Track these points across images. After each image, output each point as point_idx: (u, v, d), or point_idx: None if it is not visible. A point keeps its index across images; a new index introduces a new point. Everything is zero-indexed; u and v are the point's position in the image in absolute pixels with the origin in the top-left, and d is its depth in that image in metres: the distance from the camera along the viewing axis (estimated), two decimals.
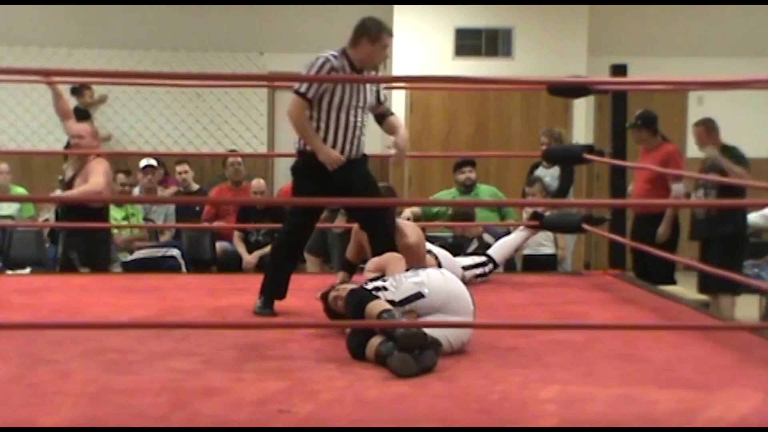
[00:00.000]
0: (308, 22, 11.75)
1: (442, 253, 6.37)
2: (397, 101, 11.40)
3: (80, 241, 7.08)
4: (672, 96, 11.43)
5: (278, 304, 5.48)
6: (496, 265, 6.78)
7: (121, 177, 8.92)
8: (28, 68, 9.76)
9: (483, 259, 6.73)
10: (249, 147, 11.89)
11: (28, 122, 11.82)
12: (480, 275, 6.57)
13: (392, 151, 5.67)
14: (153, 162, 9.46)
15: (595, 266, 10.41)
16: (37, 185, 10.65)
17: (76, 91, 11.09)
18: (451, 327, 4.49)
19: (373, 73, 5.71)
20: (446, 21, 11.43)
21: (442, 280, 4.65)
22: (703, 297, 7.52)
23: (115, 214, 8.54)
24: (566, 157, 7.63)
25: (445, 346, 4.42)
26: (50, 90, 7.57)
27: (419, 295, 4.53)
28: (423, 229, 6.21)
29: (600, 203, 11.27)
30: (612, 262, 7.98)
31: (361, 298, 4.49)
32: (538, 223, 7.05)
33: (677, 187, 7.91)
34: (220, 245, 8.99)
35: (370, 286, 4.62)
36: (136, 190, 9.43)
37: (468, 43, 11.46)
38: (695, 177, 7.70)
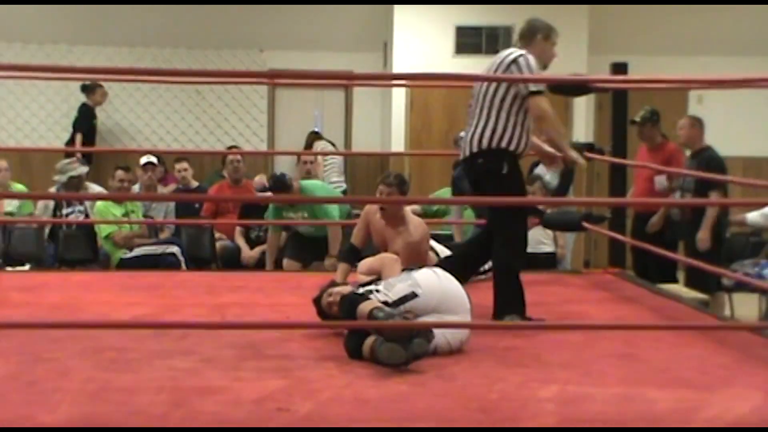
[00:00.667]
0: (308, 19, 11.74)
1: (444, 252, 6.37)
2: (397, 99, 11.42)
3: None
4: (672, 95, 11.41)
5: (276, 303, 5.48)
6: None
7: (120, 174, 8.92)
8: (29, 65, 9.72)
9: None
10: (249, 144, 11.88)
11: (28, 119, 11.82)
12: (479, 274, 6.56)
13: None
14: (153, 159, 9.45)
15: (595, 265, 10.42)
16: (37, 182, 10.64)
17: (87, 88, 11.09)
18: (449, 327, 4.49)
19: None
20: (446, 19, 11.42)
21: (435, 279, 4.64)
22: (703, 296, 7.51)
23: (115, 210, 8.53)
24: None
25: (444, 346, 4.43)
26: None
27: (413, 295, 4.52)
28: None
29: (599, 202, 11.25)
30: (612, 261, 7.97)
31: (353, 300, 4.49)
32: (538, 220, 7.05)
33: (660, 180, 7.96)
34: (220, 243, 8.99)
35: (361, 290, 4.62)
36: (136, 188, 9.42)
37: (468, 41, 11.44)
38: (700, 176, 7.66)
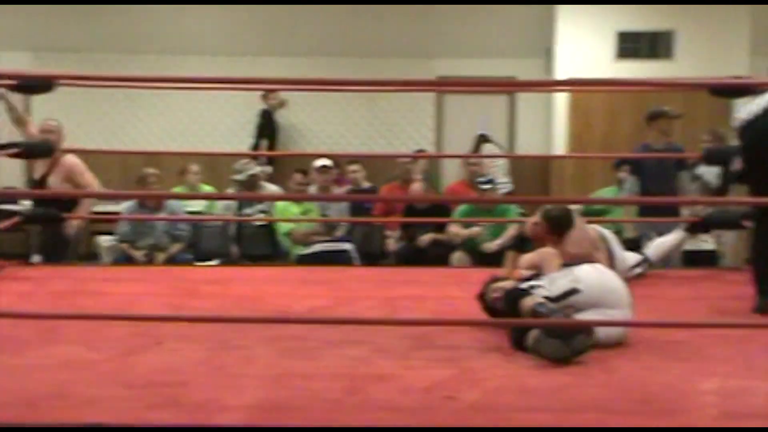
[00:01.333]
0: (473, 28, 11.74)
1: (615, 244, 6.15)
2: (559, 102, 11.29)
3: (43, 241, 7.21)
4: None
5: (444, 297, 5.48)
6: (651, 265, 6.61)
7: (298, 177, 9.17)
8: (219, 78, 9.99)
9: (640, 257, 6.57)
10: (417, 147, 11.94)
11: (216, 125, 12.19)
12: (638, 274, 6.42)
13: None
14: (328, 162, 9.60)
15: None
16: (224, 184, 10.92)
17: (267, 95, 11.50)
18: (609, 325, 4.41)
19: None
20: (608, 25, 11.23)
21: (596, 275, 4.57)
22: None
23: (293, 209, 8.74)
24: (723, 157, 7.39)
25: (605, 340, 4.35)
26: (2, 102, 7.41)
27: (575, 291, 4.46)
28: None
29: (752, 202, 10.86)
30: None
31: (516, 295, 4.46)
32: (700, 221, 6.84)
33: None
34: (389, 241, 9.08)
35: (524, 285, 4.58)
36: (312, 189, 9.58)
37: (629, 45, 11.23)
38: None
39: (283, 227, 8.67)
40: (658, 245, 6.77)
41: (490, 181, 8.49)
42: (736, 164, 5.61)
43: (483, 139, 11.36)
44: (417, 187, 9.11)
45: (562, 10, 11.28)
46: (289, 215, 8.72)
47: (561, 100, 11.25)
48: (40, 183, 7.41)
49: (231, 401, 3.56)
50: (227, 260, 8.60)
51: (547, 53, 11.67)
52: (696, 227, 6.90)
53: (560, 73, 11.15)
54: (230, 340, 4.45)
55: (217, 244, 8.91)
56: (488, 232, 8.30)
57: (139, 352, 4.25)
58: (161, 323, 4.71)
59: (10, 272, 6.37)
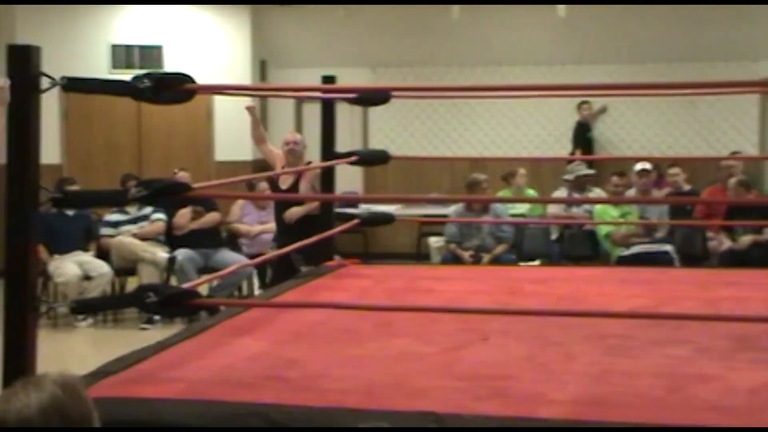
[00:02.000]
0: None
1: None
2: None
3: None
4: None
5: (766, 297, 5.18)
6: None
7: (615, 179, 9.09)
8: (533, 85, 10.00)
9: None
10: (740, 150, 11.42)
11: (538, 132, 12.22)
12: None
13: None
14: (647, 166, 9.38)
15: None
16: (546, 188, 10.93)
17: (579, 106, 11.40)
18: None
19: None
20: None
21: None
22: None
23: (613, 212, 8.61)
24: None
25: None
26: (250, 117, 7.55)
27: None
28: None
29: None
30: None
31: None
32: None
33: None
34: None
35: None
36: (631, 191, 9.39)
37: None
38: None
39: (603, 229, 8.55)
40: None
41: None
42: None
43: None
44: (731, 188, 8.72)
45: None
46: (608, 218, 8.58)
47: None
48: (290, 191, 7.61)
49: (554, 395, 3.53)
50: (549, 260, 8.59)
51: None
52: None
53: None
54: (552, 337, 4.42)
55: (540, 244, 8.93)
56: None
57: (467, 347, 4.30)
58: (487, 321, 4.76)
59: (352, 270, 6.65)
